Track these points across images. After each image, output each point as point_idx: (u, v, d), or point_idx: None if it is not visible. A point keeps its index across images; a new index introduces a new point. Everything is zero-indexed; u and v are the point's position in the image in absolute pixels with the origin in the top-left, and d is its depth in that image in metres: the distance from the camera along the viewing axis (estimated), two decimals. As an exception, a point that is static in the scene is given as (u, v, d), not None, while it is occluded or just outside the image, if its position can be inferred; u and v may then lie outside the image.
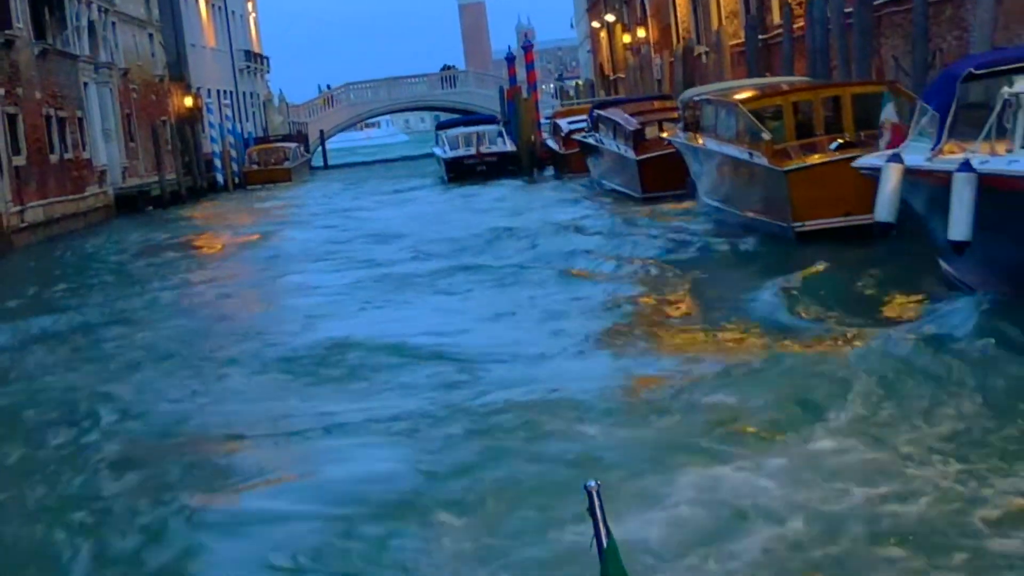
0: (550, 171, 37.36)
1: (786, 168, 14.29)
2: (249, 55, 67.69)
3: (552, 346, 10.65)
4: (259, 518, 6.90)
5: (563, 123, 35.23)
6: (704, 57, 30.64)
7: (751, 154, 15.15)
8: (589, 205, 24.87)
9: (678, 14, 37.29)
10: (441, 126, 44.59)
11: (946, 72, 11.06)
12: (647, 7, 42.62)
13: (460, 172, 38.39)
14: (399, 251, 19.64)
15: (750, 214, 15.76)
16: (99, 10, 40.75)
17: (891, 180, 10.35)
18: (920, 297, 10.72)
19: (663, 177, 21.80)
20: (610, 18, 50.53)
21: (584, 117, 31.00)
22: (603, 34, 53.94)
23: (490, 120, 44.49)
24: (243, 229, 29.30)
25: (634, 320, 11.89)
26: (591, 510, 3.36)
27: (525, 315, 12.58)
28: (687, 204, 20.14)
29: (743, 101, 16.24)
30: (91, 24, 39.75)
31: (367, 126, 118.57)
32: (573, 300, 13.08)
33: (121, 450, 8.63)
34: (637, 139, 23.38)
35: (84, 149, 36.00)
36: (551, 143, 37.21)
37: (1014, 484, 6.09)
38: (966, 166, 8.94)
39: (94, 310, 16.32)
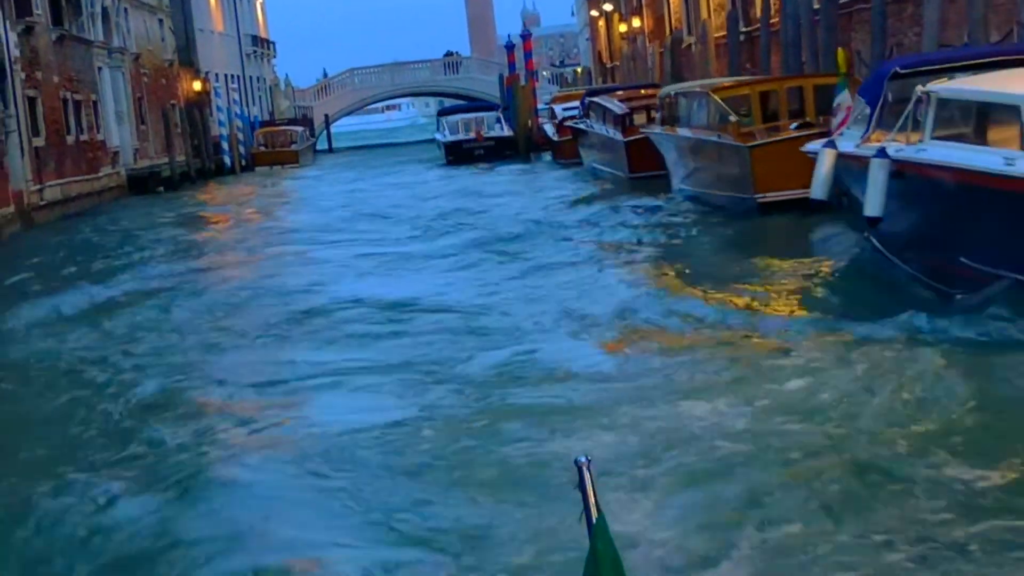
0: (548, 156, 38.86)
1: (749, 144, 15.82)
2: (256, 40, 68.97)
3: (521, 295, 12.45)
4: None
5: (558, 109, 36.72)
6: (692, 48, 32.06)
7: (719, 136, 16.68)
8: (576, 185, 26.41)
9: (670, 5, 38.69)
10: (442, 112, 46.11)
11: (878, 70, 12.55)
12: (641, -2, 44.03)
13: (459, 156, 40.01)
14: (392, 223, 21.40)
15: (718, 192, 17.25)
16: (112, -3, 42.23)
17: (825, 163, 11.86)
18: (830, 260, 12.44)
19: (649, 158, 22.83)
20: (608, 7, 51.90)
21: (579, 103, 32.45)
22: (601, 23, 55.29)
23: (490, 106, 46.00)
24: (250, 207, 30.93)
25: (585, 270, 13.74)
26: (581, 485, 3.28)
27: (498, 271, 14.38)
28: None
29: (714, 90, 17.76)
30: (104, 10, 41.15)
31: (388, 108, 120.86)
32: (541, 261, 14.86)
33: (154, 388, 10.07)
34: (625, 122, 24.80)
35: (98, 131, 37.48)
36: (548, 128, 38.65)
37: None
38: (882, 153, 10.42)
39: (117, 278, 17.78)
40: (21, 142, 28.83)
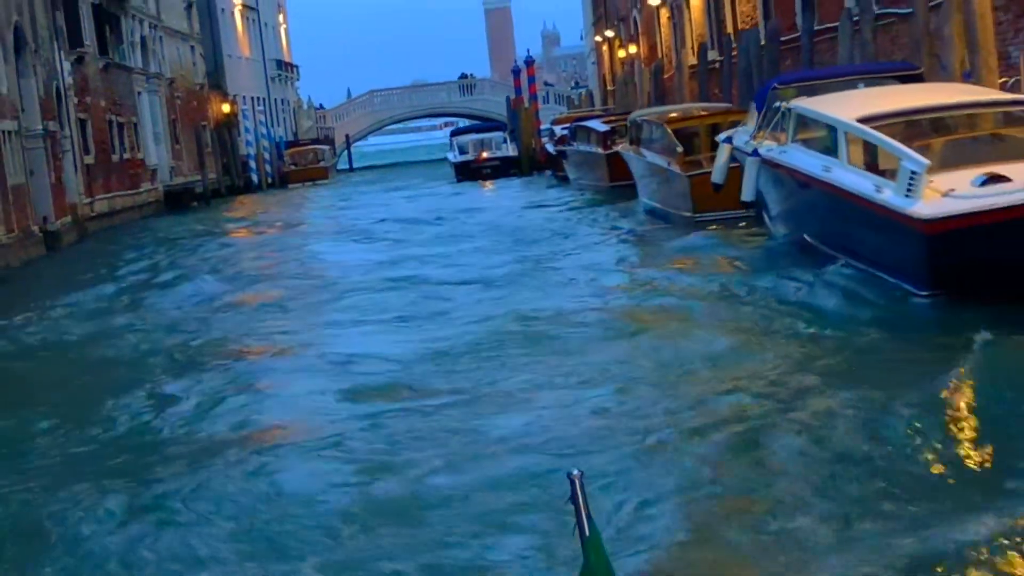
0: (549, 173, 42.28)
1: (689, 174, 19.08)
2: (280, 64, 72.38)
3: (501, 274, 16.03)
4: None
5: (558, 130, 40.13)
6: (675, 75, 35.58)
7: (668, 163, 20.03)
8: (565, 196, 29.95)
9: (662, 34, 42.17)
10: (454, 133, 49.69)
11: (764, 85, 16.02)
12: (639, 26, 47.48)
13: (467, 174, 43.60)
14: (404, 225, 25.30)
15: (668, 208, 20.56)
16: (150, 26, 45.76)
17: (723, 154, 15.40)
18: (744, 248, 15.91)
19: (625, 169, 25.38)
20: (609, 33, 55.35)
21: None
22: (605, 48, 58.69)
23: (498, 127, 49.56)
24: (279, 218, 34.61)
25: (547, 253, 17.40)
26: (573, 498, 3.27)
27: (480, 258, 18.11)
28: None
29: (667, 121, 21.16)
30: (143, 39, 44.73)
31: (446, 125, 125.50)
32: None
33: (200, 348, 13.36)
34: (606, 140, 28.19)
35: (138, 150, 41.11)
36: (549, 148, 42.07)
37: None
38: (755, 152, 13.89)
39: (163, 276, 21.27)
40: (75, 160, 32.43)
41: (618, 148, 25.55)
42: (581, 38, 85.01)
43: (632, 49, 47.87)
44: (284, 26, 77.69)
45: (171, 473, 7.92)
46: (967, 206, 9.80)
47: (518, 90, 52.83)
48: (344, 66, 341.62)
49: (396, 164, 73.62)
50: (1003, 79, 14.44)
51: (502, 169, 43.55)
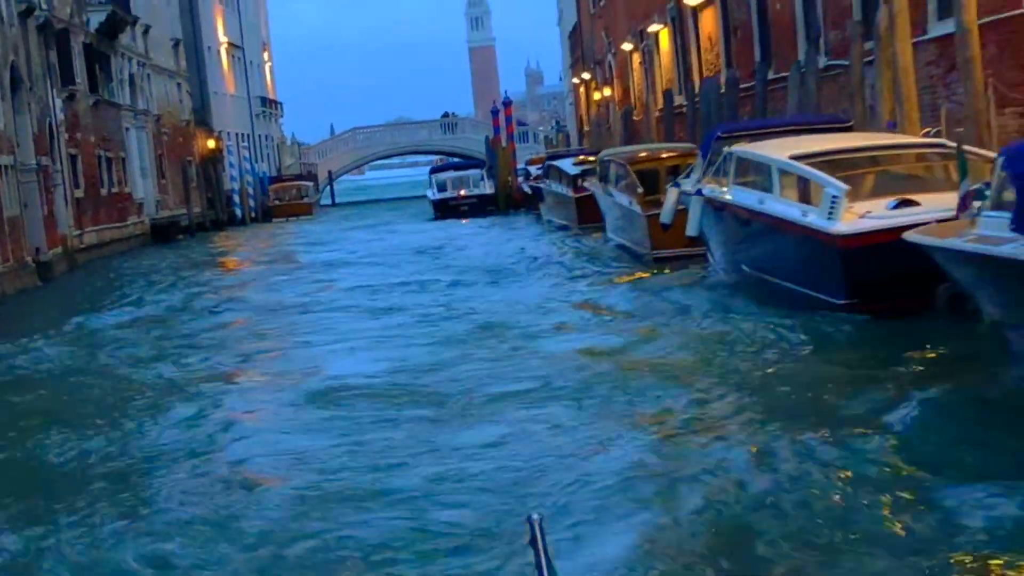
0: (524, 210, 43.69)
1: (647, 213, 20.39)
2: (265, 101, 73.67)
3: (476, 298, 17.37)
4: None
5: (533, 169, 41.62)
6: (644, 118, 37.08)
7: (630, 201, 21.38)
8: (536, 233, 31.33)
9: (634, 78, 43.70)
10: (434, 170, 51.12)
11: (709, 133, 17.46)
12: (613, 69, 49.04)
13: (445, 211, 45.01)
14: (380, 256, 26.68)
15: (630, 243, 21.90)
16: (138, 64, 47.03)
17: (671, 197, 16.76)
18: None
19: (594, 211, 26.96)
20: (586, 76, 56.98)
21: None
22: (582, 89, 60.32)
23: (478, 165, 51.02)
24: (261, 251, 35.90)
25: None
26: (533, 542, 3.18)
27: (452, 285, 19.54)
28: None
29: (631, 162, 22.56)
30: (132, 77, 46.02)
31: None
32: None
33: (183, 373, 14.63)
34: (576, 182, 29.57)
35: (126, 184, 42.33)
36: (525, 187, 43.51)
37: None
38: (699, 192, 15.27)
39: (156, 303, 22.51)
40: (65, 193, 33.65)
41: (588, 185, 26.91)
42: (560, 79, 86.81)
43: (607, 92, 49.43)
44: (269, 64, 79.10)
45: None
46: (879, 224, 11.24)
47: (496, 129, 54.30)
48: (328, 102, 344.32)
49: (378, 200, 74.91)
50: (926, 128, 15.82)
51: (479, 207, 44.95)
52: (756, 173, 13.99)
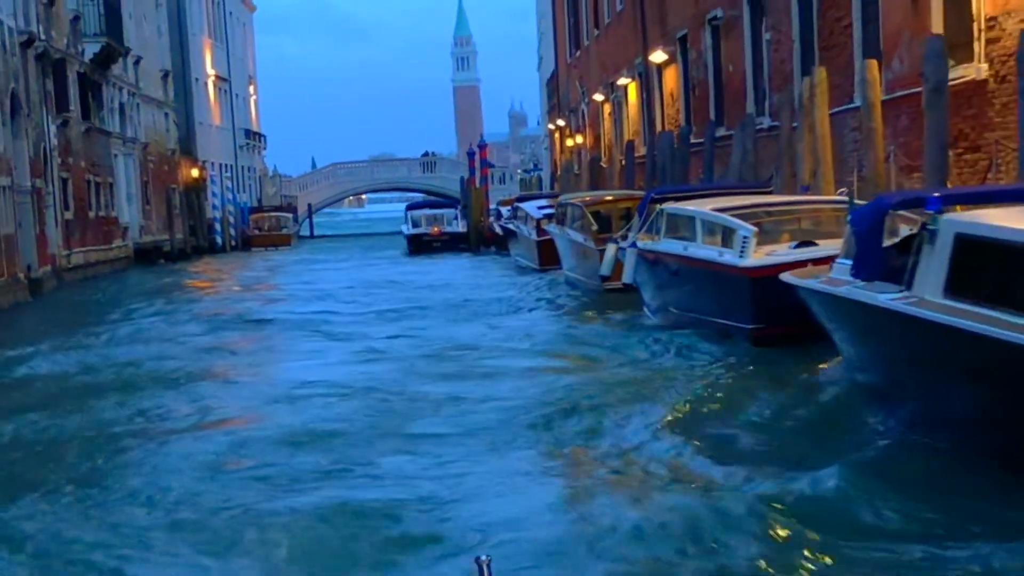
0: (494, 249, 45.60)
1: (599, 248, 22.33)
2: (249, 133, 75.33)
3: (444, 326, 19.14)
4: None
5: (504, 210, 43.55)
6: (606, 166, 39.15)
7: (584, 239, 23.33)
8: (500, 271, 33.23)
9: (604, 128, 45.76)
10: (410, 207, 53.00)
11: (646, 195, 19.42)
12: (586, 118, 51.11)
13: (418, 247, 46.97)
14: (352, 290, 28.45)
15: (584, 278, 23.83)
16: (128, 93, 48.81)
17: (610, 251, 18.67)
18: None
19: (555, 253, 29.34)
20: (561, 122, 59.06)
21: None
22: (557, 135, 62.39)
23: (452, 204, 53.03)
24: (239, 277, 37.73)
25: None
26: None
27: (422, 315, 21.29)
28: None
29: (587, 204, 24.57)
30: (122, 105, 47.74)
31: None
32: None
33: (169, 374, 16.40)
34: (539, 226, 31.46)
35: (112, 209, 44.04)
36: (496, 227, 45.42)
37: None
38: (633, 245, 17.18)
39: (134, 320, 24.23)
40: (56, 215, 35.36)
41: (546, 226, 28.90)
42: (538, 123, 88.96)
43: (579, 139, 51.50)
44: (254, 97, 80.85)
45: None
46: (781, 259, 13.17)
47: (472, 170, 56.32)
48: (312, 135, 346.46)
49: (355, 235, 76.77)
50: (842, 188, 17.76)
51: (451, 244, 46.91)
52: (682, 226, 15.92)
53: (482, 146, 57.03)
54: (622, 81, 40.19)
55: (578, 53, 53.02)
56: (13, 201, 30.00)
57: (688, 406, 11.34)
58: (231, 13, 72.89)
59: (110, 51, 43.70)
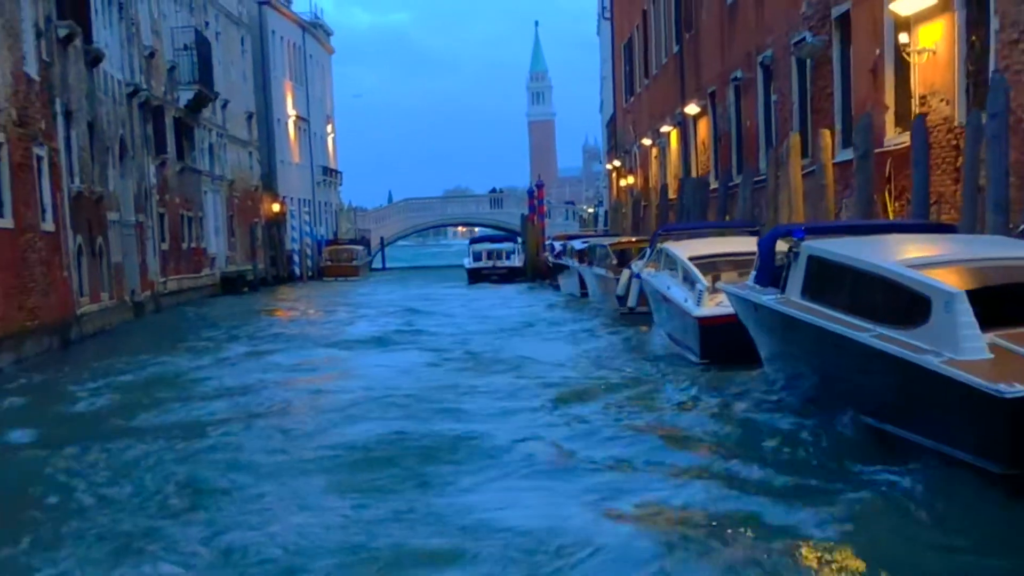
0: (548, 282, 49.48)
1: (615, 276, 26.13)
2: (326, 170, 79.39)
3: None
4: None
5: (557, 245, 47.43)
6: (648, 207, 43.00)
7: (605, 272, 27.23)
8: (549, 300, 37.12)
9: (652, 170, 49.51)
10: (472, 241, 57.20)
11: (657, 230, 23.21)
12: (637, 160, 54.87)
13: (478, 278, 51.09)
14: (417, 314, 32.60)
15: (609, 305, 27.66)
16: (217, 135, 53.35)
17: (624, 276, 22.46)
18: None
19: None
20: (617, 163, 62.83)
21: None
22: (614, 174, 66.14)
23: (511, 238, 57.13)
24: (314, 301, 42.07)
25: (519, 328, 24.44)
26: None
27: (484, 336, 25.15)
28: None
29: (611, 245, 28.57)
30: (211, 146, 52.24)
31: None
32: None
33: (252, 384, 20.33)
34: (582, 258, 35.36)
35: (202, 241, 48.55)
36: (551, 260, 49.33)
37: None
38: (637, 275, 20.95)
39: (231, 338, 28.32)
40: (154, 246, 39.78)
41: (566, 261, 33.06)
42: (600, 163, 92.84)
43: (631, 179, 55.22)
44: (332, 135, 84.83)
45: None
46: (726, 311, 16.72)
47: (532, 207, 60.29)
48: (387, 166, 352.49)
49: (423, 267, 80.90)
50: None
51: (508, 276, 50.96)
52: (670, 264, 19.67)
53: (539, 186, 61.03)
54: (665, 128, 43.92)
55: (632, 99, 56.79)
56: (121, 234, 34.37)
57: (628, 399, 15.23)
58: (311, 56, 77.03)
59: (202, 97, 48.13)
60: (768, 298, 12.62)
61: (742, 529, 8.53)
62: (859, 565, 7.72)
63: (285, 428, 14.20)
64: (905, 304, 9.85)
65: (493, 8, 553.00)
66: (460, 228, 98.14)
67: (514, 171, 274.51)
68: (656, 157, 48.03)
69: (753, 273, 13.99)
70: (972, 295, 9.24)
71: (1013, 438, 8.25)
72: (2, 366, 21.65)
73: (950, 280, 9.55)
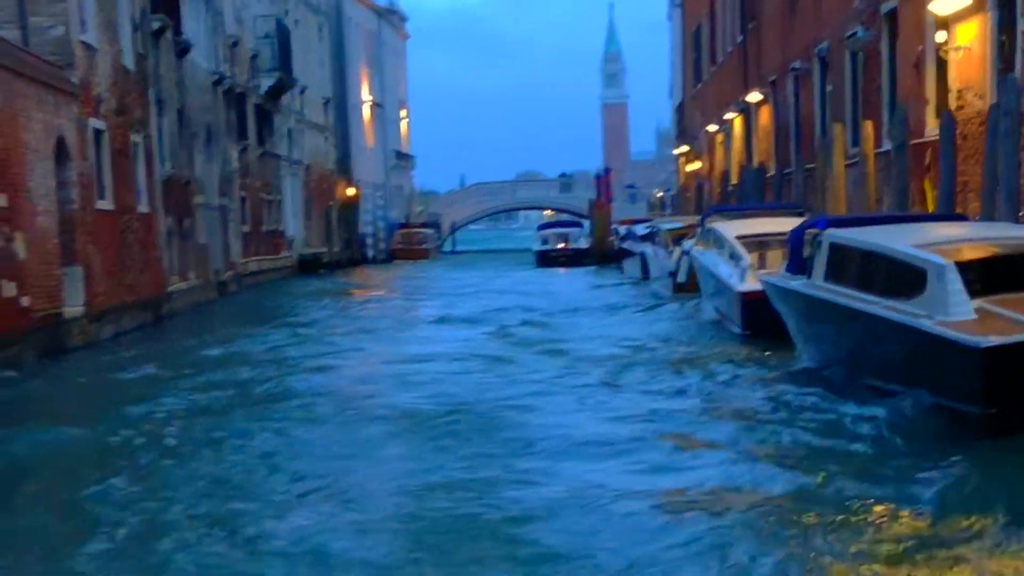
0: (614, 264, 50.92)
1: (669, 250, 27.62)
2: (399, 154, 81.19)
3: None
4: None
5: (622, 229, 48.85)
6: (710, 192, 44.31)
7: (664, 252, 28.68)
8: (613, 281, 38.60)
9: (716, 156, 50.73)
10: (540, 226, 58.87)
11: (708, 210, 24.61)
12: (703, 146, 56.05)
13: (545, 261, 52.66)
14: (485, 293, 34.25)
15: (665, 284, 29.11)
16: (295, 120, 55.30)
17: (676, 253, 23.95)
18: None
19: None
20: (684, 148, 64.01)
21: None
22: (682, 160, 67.32)
23: (578, 223, 58.69)
24: (389, 283, 43.86)
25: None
26: None
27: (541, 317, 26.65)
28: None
29: (667, 231, 29.98)
30: (289, 131, 54.17)
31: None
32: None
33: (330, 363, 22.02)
34: (645, 241, 36.82)
35: (280, 223, 50.52)
36: (617, 244, 50.76)
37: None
38: (687, 252, 22.39)
39: (311, 313, 30.13)
40: (236, 228, 41.73)
41: (627, 245, 34.57)
42: (668, 148, 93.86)
43: (697, 165, 56.43)
44: (405, 120, 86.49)
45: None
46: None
47: (599, 191, 61.74)
48: (460, 149, 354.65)
49: (492, 251, 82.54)
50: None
51: (575, 259, 52.46)
52: (718, 243, 21.09)
53: (607, 171, 62.55)
54: (729, 115, 45.11)
55: (699, 86, 57.95)
56: (206, 217, 36.32)
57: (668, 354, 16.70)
58: (385, 42, 78.66)
59: (282, 84, 49.98)
60: (796, 283, 14.03)
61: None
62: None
63: (368, 395, 15.81)
64: (906, 278, 11.31)
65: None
66: (547, 211, 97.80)
67: (586, 155, 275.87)
68: (721, 143, 49.22)
69: (784, 263, 15.37)
70: (963, 267, 10.73)
71: (987, 382, 9.77)
72: (104, 337, 23.51)
73: (943, 255, 10.99)
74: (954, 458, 9.50)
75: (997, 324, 10.15)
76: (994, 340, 9.75)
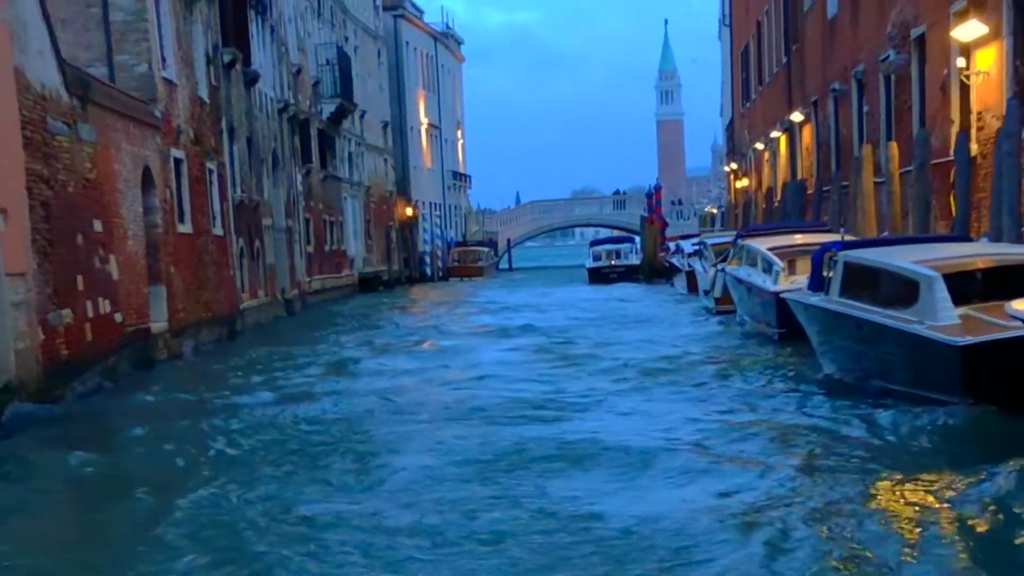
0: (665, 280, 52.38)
1: (717, 269, 29.08)
2: (456, 174, 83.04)
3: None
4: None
5: (672, 245, 50.38)
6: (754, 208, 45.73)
7: (708, 268, 30.20)
8: (661, 297, 40.11)
9: (763, 173, 52.10)
10: (592, 243, 60.50)
11: (739, 231, 26.12)
12: (752, 163, 57.43)
13: (598, 277, 54.25)
14: (535, 308, 35.86)
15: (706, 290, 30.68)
16: (355, 144, 57.29)
17: (710, 272, 25.46)
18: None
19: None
20: (734, 165, 65.38)
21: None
22: (732, 176, 68.65)
23: (630, 239, 60.21)
24: (447, 299, 45.64)
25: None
26: None
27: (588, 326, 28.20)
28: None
29: (711, 245, 31.53)
30: (350, 155, 56.18)
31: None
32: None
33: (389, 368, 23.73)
34: (693, 257, 38.33)
35: (342, 243, 52.49)
36: (667, 260, 52.25)
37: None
38: (721, 270, 23.92)
39: (373, 329, 31.93)
40: (301, 249, 43.69)
41: (674, 261, 36.11)
42: (721, 163, 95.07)
43: (745, 181, 57.80)
44: (461, 141, 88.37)
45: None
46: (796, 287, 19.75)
47: (649, 208, 63.26)
48: (515, 167, 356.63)
49: (548, 267, 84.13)
50: (884, 232, 24.06)
51: (626, 275, 54.00)
52: (750, 257, 22.64)
53: (657, 188, 64.10)
54: (775, 134, 46.49)
55: (748, 104, 59.33)
56: (273, 238, 38.27)
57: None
58: (443, 66, 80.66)
59: (343, 109, 51.98)
60: (815, 299, 15.62)
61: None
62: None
63: (428, 400, 17.46)
64: (904, 289, 12.88)
65: (622, 6, 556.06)
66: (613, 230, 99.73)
67: (642, 171, 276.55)
68: (768, 161, 50.59)
69: (806, 281, 16.95)
70: (950, 279, 12.30)
71: (966, 376, 11.31)
72: (185, 350, 25.39)
73: (934, 268, 12.57)
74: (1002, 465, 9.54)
75: (976, 327, 11.68)
76: (970, 339, 11.28)
